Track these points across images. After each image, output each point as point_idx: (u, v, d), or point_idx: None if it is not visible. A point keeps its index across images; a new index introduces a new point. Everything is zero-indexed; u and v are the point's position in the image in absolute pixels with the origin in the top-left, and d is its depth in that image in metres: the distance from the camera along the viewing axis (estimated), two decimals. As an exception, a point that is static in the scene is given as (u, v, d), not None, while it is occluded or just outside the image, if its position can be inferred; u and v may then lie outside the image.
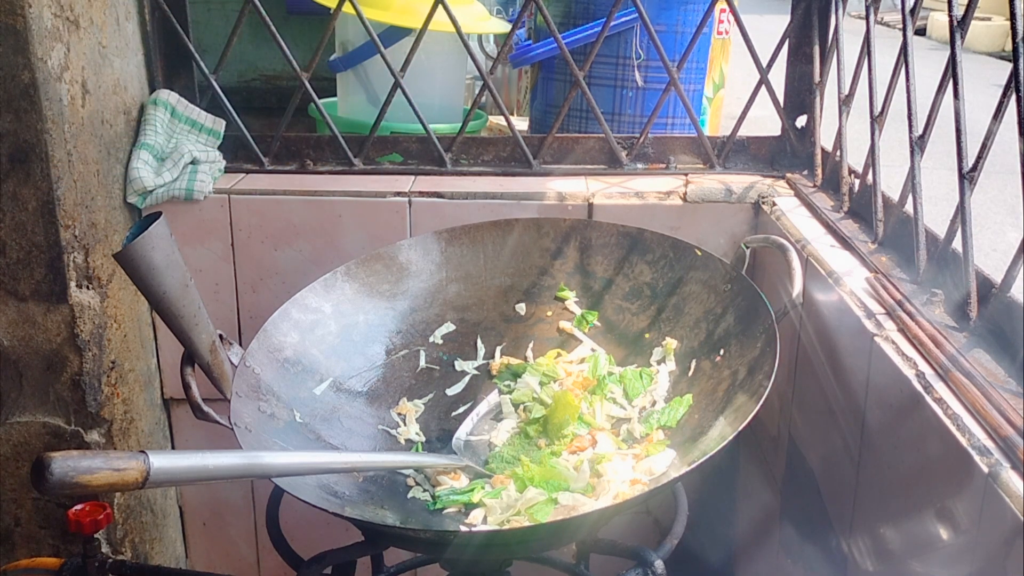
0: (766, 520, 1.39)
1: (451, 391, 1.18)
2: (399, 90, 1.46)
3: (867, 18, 1.22)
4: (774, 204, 1.39)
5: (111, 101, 1.33)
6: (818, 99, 1.45)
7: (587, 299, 1.23)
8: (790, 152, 1.51)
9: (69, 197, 1.24)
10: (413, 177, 1.49)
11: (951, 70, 0.97)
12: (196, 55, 1.44)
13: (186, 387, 1.00)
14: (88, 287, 1.29)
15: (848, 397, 1.06)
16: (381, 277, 1.21)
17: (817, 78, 1.45)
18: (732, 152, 1.51)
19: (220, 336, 1.05)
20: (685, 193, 1.43)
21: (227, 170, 1.48)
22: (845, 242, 1.20)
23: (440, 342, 1.22)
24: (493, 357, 1.21)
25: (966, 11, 0.98)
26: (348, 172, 1.50)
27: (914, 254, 1.06)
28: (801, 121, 1.50)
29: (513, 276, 1.25)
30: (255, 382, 1.03)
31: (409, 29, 1.59)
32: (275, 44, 1.42)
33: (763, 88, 1.45)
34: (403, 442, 1.11)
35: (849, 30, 1.34)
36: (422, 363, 1.20)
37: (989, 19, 11.12)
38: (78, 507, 1.21)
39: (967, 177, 0.94)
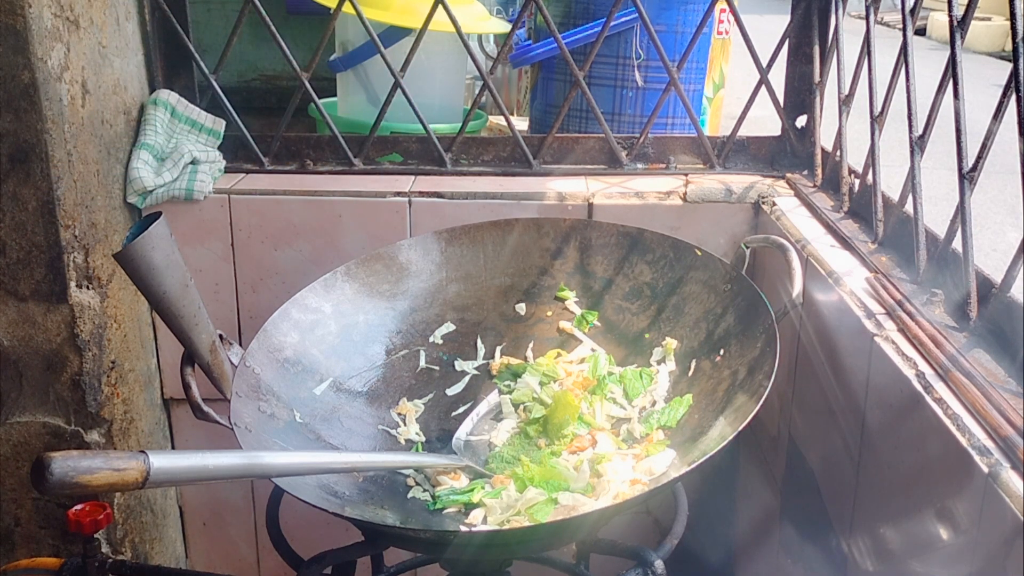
0: (766, 520, 1.39)
1: (451, 391, 1.18)
2: (399, 90, 1.46)
3: (867, 18, 1.22)
4: (774, 204, 1.39)
5: (111, 101, 1.33)
6: (818, 99, 1.45)
7: (587, 299, 1.23)
8: (790, 152, 1.51)
9: (69, 197, 1.24)
10: (413, 177, 1.49)
11: (951, 70, 0.97)
12: (196, 55, 1.44)
13: (186, 387, 1.00)
14: (88, 287, 1.29)
15: (848, 397, 1.06)
16: (381, 277, 1.21)
17: (817, 78, 1.45)
18: (732, 152, 1.51)
19: (220, 336, 1.05)
20: (685, 193, 1.43)
21: (227, 170, 1.48)
22: (845, 242, 1.20)
23: (440, 342, 1.22)
24: (493, 357, 1.21)
25: (966, 11, 0.98)
26: (348, 172, 1.50)
27: (914, 254, 1.06)
28: (801, 121, 1.50)
29: (513, 276, 1.25)
30: (255, 382, 1.03)
31: (409, 29, 1.59)
32: (275, 44, 1.42)
33: (763, 88, 1.45)
34: (403, 442, 1.11)
35: (849, 30, 1.34)
36: (422, 363, 1.20)
37: (989, 19, 11.12)
38: (78, 507, 1.21)
39: (967, 177, 0.94)
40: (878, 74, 1.20)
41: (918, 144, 1.07)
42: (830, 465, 1.13)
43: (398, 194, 1.42)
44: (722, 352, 1.07)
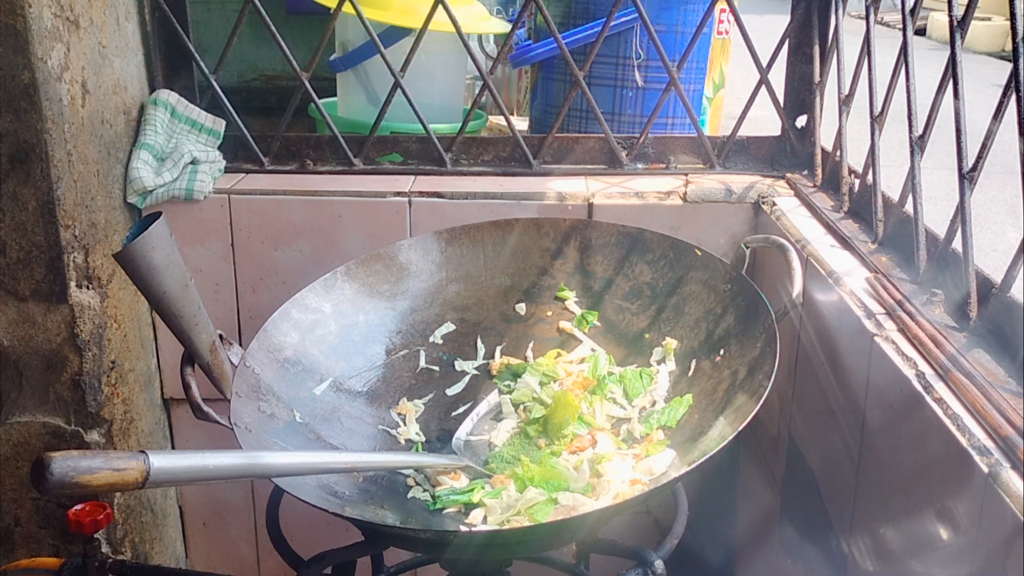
0: (766, 520, 1.39)
1: (451, 391, 1.18)
2: (399, 90, 1.46)
3: (867, 18, 1.22)
4: (774, 204, 1.39)
5: (111, 101, 1.33)
6: (818, 99, 1.45)
7: (587, 299, 1.23)
8: (790, 152, 1.51)
9: (69, 197, 1.24)
10: (413, 177, 1.49)
11: (951, 70, 0.97)
12: (196, 55, 1.44)
13: (186, 387, 1.00)
14: (88, 287, 1.29)
15: (848, 397, 1.06)
16: (381, 277, 1.21)
17: (817, 78, 1.45)
18: (732, 152, 1.51)
19: (220, 336, 1.05)
20: (685, 193, 1.43)
21: (227, 170, 1.48)
22: (845, 242, 1.20)
23: (440, 342, 1.22)
24: (493, 357, 1.21)
25: (966, 11, 0.98)
26: (348, 172, 1.50)
27: (914, 254, 1.06)
28: (801, 121, 1.50)
29: (513, 276, 1.25)
30: (255, 382, 1.03)
31: (409, 29, 1.59)
32: (275, 44, 1.42)
33: (763, 88, 1.45)
34: (403, 442, 1.11)
35: (849, 30, 1.34)
36: (422, 363, 1.20)
37: (989, 19, 11.12)
38: (78, 507, 1.21)
39: (967, 177, 0.94)
40: (878, 74, 1.20)
41: (918, 144, 1.07)
42: (830, 465, 1.13)
43: (398, 194, 1.42)
44: (722, 352, 1.07)
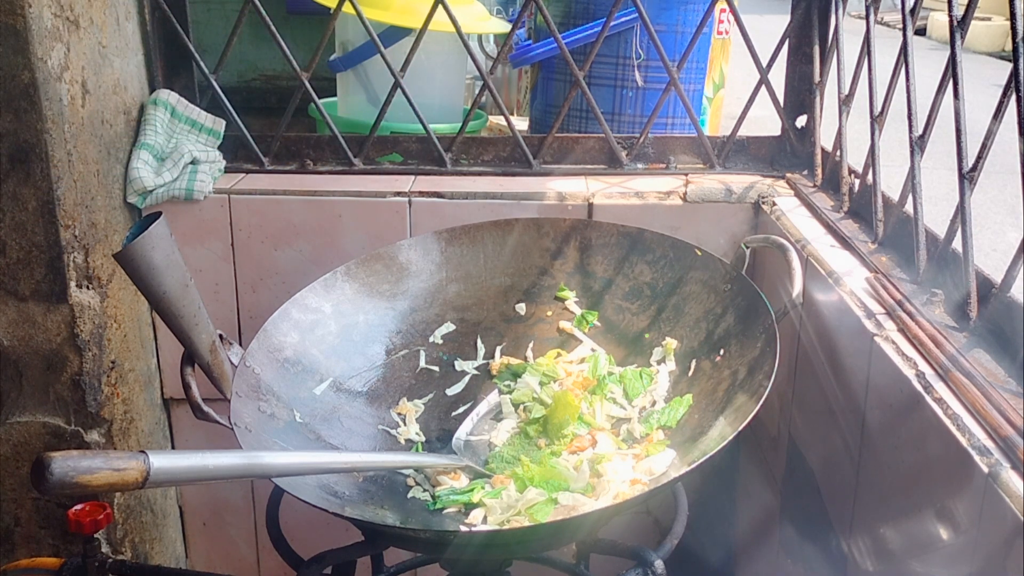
0: (766, 520, 1.39)
1: (451, 391, 1.18)
2: (399, 90, 1.46)
3: (867, 18, 1.22)
4: (774, 204, 1.39)
5: (111, 101, 1.33)
6: (818, 99, 1.45)
7: (587, 299, 1.23)
8: (790, 152, 1.51)
9: (69, 197, 1.24)
10: (413, 177, 1.49)
11: (951, 70, 0.97)
12: (196, 55, 1.44)
13: (186, 387, 1.00)
14: (88, 287, 1.29)
15: (848, 397, 1.06)
16: (381, 277, 1.21)
17: (817, 78, 1.45)
18: (732, 152, 1.51)
19: (220, 336, 1.05)
20: (685, 193, 1.43)
21: (227, 170, 1.48)
22: (845, 242, 1.20)
23: (440, 342, 1.22)
24: (493, 357, 1.21)
25: (966, 11, 0.98)
26: (348, 172, 1.50)
27: (914, 254, 1.06)
28: (801, 121, 1.50)
29: (513, 276, 1.25)
30: (255, 382, 1.03)
31: (409, 29, 1.59)
32: (275, 44, 1.42)
33: (763, 88, 1.45)
34: (403, 442, 1.11)
35: (849, 30, 1.34)
36: (422, 363, 1.20)
37: (989, 19, 11.12)
38: (78, 507, 1.21)
39: (967, 177, 0.94)
40: (878, 74, 1.20)
41: (918, 144, 1.07)
42: (830, 465, 1.13)
43: (398, 194, 1.42)
44: (722, 352, 1.07)
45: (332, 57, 1.77)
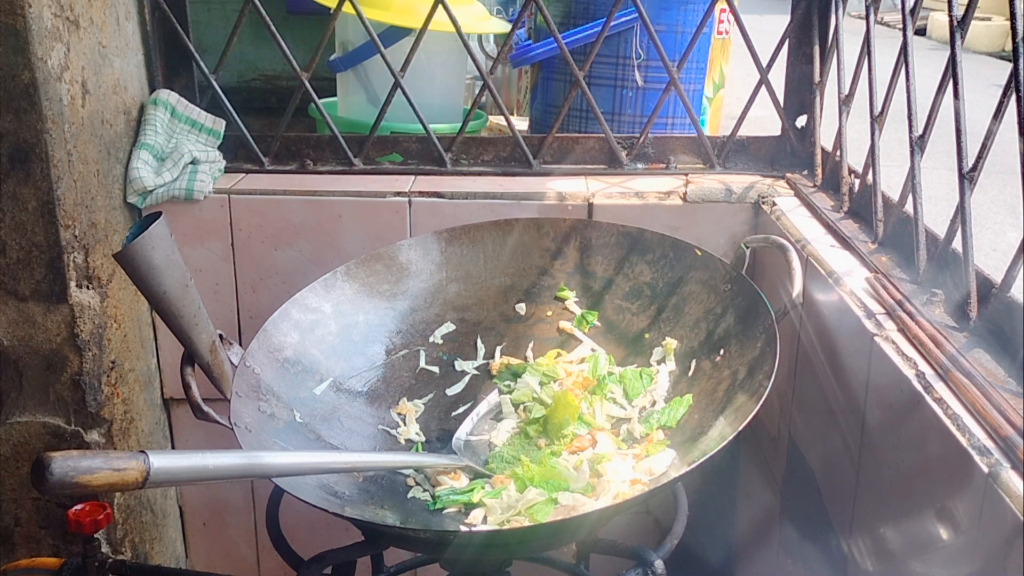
0: (766, 520, 1.39)
1: (451, 391, 1.18)
2: (399, 90, 1.46)
3: (867, 18, 1.22)
4: (774, 204, 1.39)
5: (111, 101, 1.33)
6: (818, 99, 1.45)
7: (587, 299, 1.23)
8: (790, 152, 1.51)
9: (69, 197, 1.24)
10: (413, 177, 1.49)
11: (951, 70, 0.97)
12: (196, 55, 1.44)
13: (186, 387, 1.00)
14: (88, 287, 1.29)
15: (848, 397, 1.06)
16: (381, 277, 1.21)
17: (817, 78, 1.45)
18: (732, 152, 1.51)
19: (220, 336, 1.05)
20: (685, 193, 1.43)
21: (227, 170, 1.48)
22: (845, 242, 1.20)
23: (440, 342, 1.22)
24: (493, 357, 1.21)
25: (966, 11, 0.98)
26: (348, 172, 1.50)
27: (914, 254, 1.06)
28: (801, 121, 1.50)
29: (513, 276, 1.25)
30: (255, 382, 1.03)
31: (409, 29, 1.59)
32: (275, 44, 1.42)
33: (763, 88, 1.45)
34: (403, 442, 1.11)
35: (849, 30, 1.34)
36: (422, 363, 1.20)
37: (989, 19, 11.13)
38: (78, 507, 1.21)
39: (967, 177, 0.94)
40: (878, 74, 1.20)
41: (918, 144, 1.07)
42: (830, 465, 1.13)
43: (398, 194, 1.42)
44: (722, 352, 1.07)
45: (332, 57, 1.77)
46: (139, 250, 0.86)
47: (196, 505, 1.62)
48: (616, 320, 1.21)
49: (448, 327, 1.23)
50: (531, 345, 1.22)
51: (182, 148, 1.39)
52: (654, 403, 1.09)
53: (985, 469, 0.74)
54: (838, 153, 1.34)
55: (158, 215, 0.88)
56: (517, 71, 2.60)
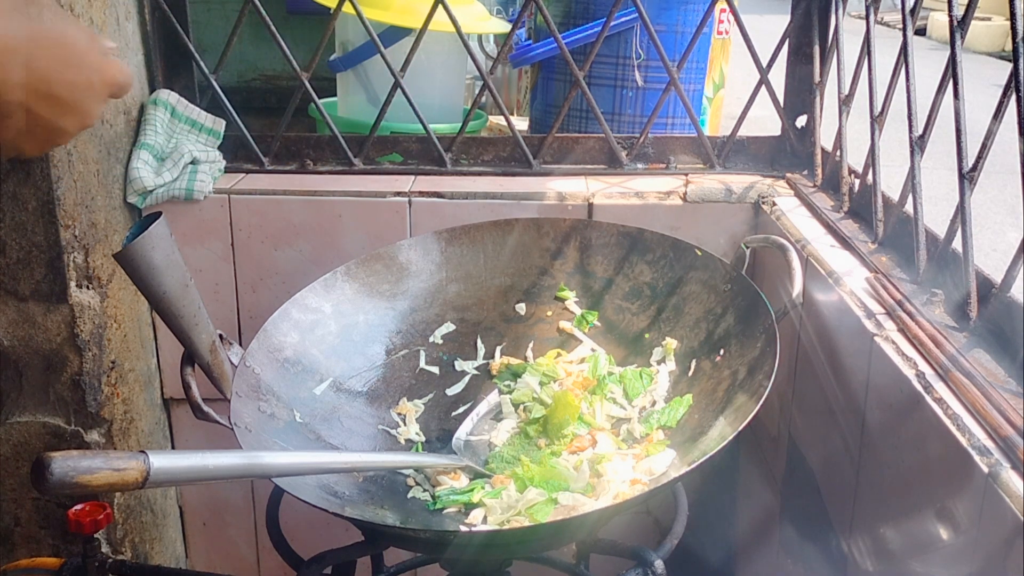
0: (766, 520, 1.39)
1: (451, 391, 1.18)
2: (399, 90, 1.46)
3: (867, 18, 1.22)
4: (774, 204, 1.39)
5: (111, 101, 1.33)
6: (818, 99, 1.45)
7: (587, 299, 1.23)
8: (790, 152, 1.51)
9: (69, 197, 1.24)
10: (413, 177, 1.49)
11: (951, 70, 0.97)
12: (196, 55, 1.44)
13: (186, 387, 1.00)
14: (88, 287, 1.29)
15: (848, 397, 1.06)
16: (381, 277, 1.21)
17: (817, 78, 1.45)
18: (732, 152, 1.51)
19: (220, 336, 1.05)
20: (685, 193, 1.43)
21: (227, 170, 1.48)
22: (845, 242, 1.20)
23: (440, 342, 1.22)
24: (493, 357, 1.21)
25: (966, 11, 0.98)
26: (348, 172, 1.50)
27: (914, 254, 1.06)
28: (801, 121, 1.50)
29: (513, 276, 1.25)
30: (255, 382, 1.03)
31: (409, 29, 1.59)
32: (275, 44, 1.42)
33: (763, 88, 1.45)
34: (403, 442, 1.11)
35: (849, 30, 1.34)
36: (422, 363, 1.20)
37: (989, 19, 11.13)
38: (78, 507, 1.21)
39: (967, 177, 0.94)
40: (878, 74, 1.20)
41: (918, 144, 1.07)
42: (830, 465, 1.13)
43: (398, 194, 1.42)
44: (722, 352, 1.07)
45: (332, 57, 1.77)
46: (139, 250, 0.86)
47: (196, 505, 1.62)
48: (616, 320, 1.21)
49: (448, 327, 1.23)
50: (531, 345, 1.22)
51: (182, 148, 1.39)
52: (654, 403, 1.09)
53: (985, 469, 0.74)
54: (838, 153, 1.34)
55: (158, 215, 0.88)
56: (517, 71, 2.60)
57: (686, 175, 1.49)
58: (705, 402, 1.04)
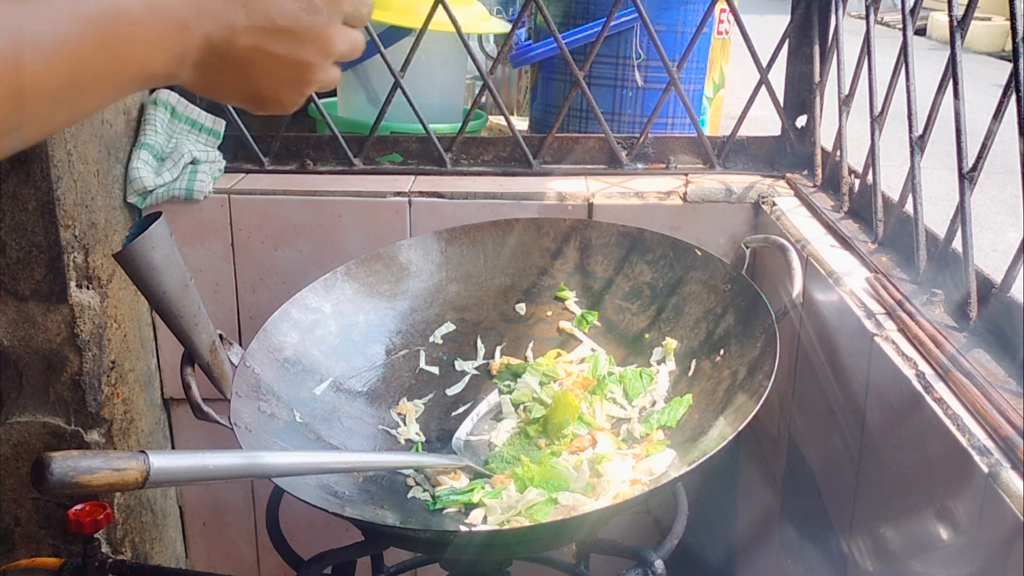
0: (766, 520, 1.39)
1: (451, 391, 1.18)
2: (399, 90, 1.46)
3: (867, 18, 1.22)
4: (774, 204, 1.39)
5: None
6: (818, 99, 1.45)
7: (587, 299, 1.23)
8: (790, 152, 1.51)
9: (69, 197, 1.24)
10: (413, 177, 1.49)
11: (951, 70, 0.97)
12: (196, 55, 1.44)
13: (186, 387, 1.00)
14: (88, 287, 1.29)
15: (848, 397, 1.06)
16: (381, 277, 1.21)
17: (817, 78, 1.45)
18: (732, 152, 1.51)
19: (220, 336, 1.05)
20: (685, 193, 1.43)
21: (227, 170, 1.48)
22: (845, 242, 1.20)
23: (440, 342, 1.22)
24: (493, 357, 1.21)
25: (966, 11, 0.98)
26: (348, 172, 1.50)
27: (914, 254, 1.06)
28: (801, 121, 1.50)
29: (513, 276, 1.25)
30: (255, 382, 1.03)
31: (409, 29, 1.59)
32: (275, 44, 1.42)
33: (763, 88, 1.45)
34: (403, 442, 1.11)
35: (849, 30, 1.34)
36: (422, 363, 1.20)
37: (989, 19, 11.13)
38: (78, 507, 1.21)
39: (967, 177, 0.94)
40: (878, 74, 1.20)
41: (918, 144, 1.07)
42: (830, 465, 1.13)
43: (398, 194, 1.42)
44: (722, 352, 1.07)
45: (332, 57, 1.77)
46: (139, 250, 0.86)
47: (196, 505, 1.62)
48: (616, 320, 1.21)
49: (448, 327, 1.23)
50: (531, 345, 1.22)
51: (182, 148, 1.39)
52: (654, 403, 1.09)
53: (985, 469, 0.74)
54: (838, 153, 1.34)
55: (158, 215, 0.88)
56: (517, 71, 2.60)
57: (686, 175, 1.49)
58: (705, 402, 1.04)
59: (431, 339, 1.21)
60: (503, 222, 1.26)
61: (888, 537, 0.94)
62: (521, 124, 2.00)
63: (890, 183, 1.18)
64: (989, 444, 0.76)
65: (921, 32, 11.83)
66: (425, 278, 1.24)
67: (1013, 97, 0.86)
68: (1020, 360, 0.85)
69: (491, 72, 1.47)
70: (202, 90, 0.63)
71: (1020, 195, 0.81)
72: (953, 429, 0.79)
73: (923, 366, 0.89)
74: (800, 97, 1.49)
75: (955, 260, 0.98)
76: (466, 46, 1.51)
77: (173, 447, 1.57)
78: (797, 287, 1.07)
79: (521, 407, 1.13)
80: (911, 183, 1.07)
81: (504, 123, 1.56)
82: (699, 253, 1.16)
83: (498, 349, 1.22)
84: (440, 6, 1.43)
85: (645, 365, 1.14)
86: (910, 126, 1.08)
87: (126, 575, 1.26)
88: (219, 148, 1.47)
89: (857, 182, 1.30)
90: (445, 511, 0.99)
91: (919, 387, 0.86)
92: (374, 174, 1.50)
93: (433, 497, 1.01)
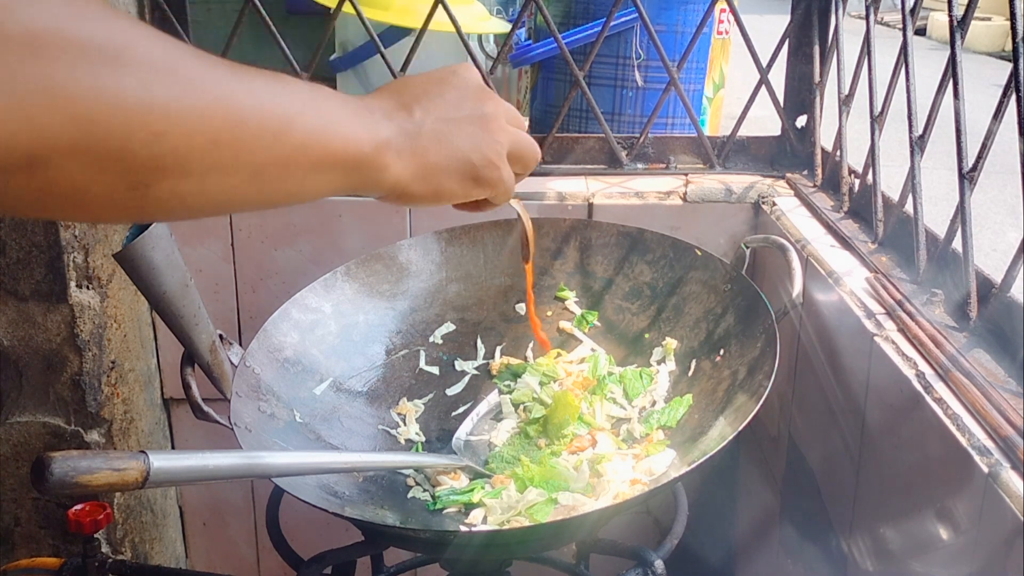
0: (766, 520, 1.39)
1: (451, 391, 1.18)
2: (399, 90, 1.46)
3: (867, 18, 1.22)
4: (774, 204, 1.39)
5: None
6: (818, 99, 1.45)
7: (587, 299, 1.23)
8: (790, 152, 1.51)
9: (69, 197, 1.24)
10: (413, 177, 1.48)
11: (951, 70, 0.97)
12: (196, 55, 1.44)
13: (186, 387, 1.00)
14: (88, 287, 1.29)
15: (848, 397, 1.06)
16: (381, 277, 1.21)
17: (817, 78, 1.45)
18: (732, 152, 1.51)
19: (220, 336, 1.05)
20: (685, 193, 1.43)
21: (227, 170, 1.47)
22: (845, 242, 1.20)
23: (440, 342, 1.22)
24: (493, 357, 1.21)
25: (966, 11, 0.98)
26: (348, 172, 1.50)
27: (914, 254, 1.06)
28: (801, 121, 1.50)
29: (513, 276, 1.25)
30: (255, 382, 1.03)
31: (409, 29, 1.59)
32: (275, 44, 1.42)
33: (763, 88, 1.45)
34: (403, 442, 1.11)
35: (849, 30, 1.34)
36: (422, 363, 1.20)
37: (989, 19, 11.13)
38: (78, 507, 1.21)
39: (967, 177, 0.94)
40: (878, 74, 1.20)
41: (918, 144, 1.07)
42: (830, 465, 1.13)
43: (398, 194, 1.42)
44: (722, 352, 1.07)
45: (332, 57, 1.78)
46: (139, 250, 0.86)
47: (196, 505, 1.62)
48: (616, 320, 1.21)
49: (448, 327, 1.23)
50: (531, 345, 1.22)
51: (182, 148, 1.39)
52: (654, 403, 1.09)
53: (985, 469, 0.74)
54: (838, 153, 1.34)
55: (158, 215, 0.88)
56: (517, 71, 2.60)
57: (686, 175, 1.49)
58: (705, 402, 1.04)
59: (431, 339, 1.21)
60: (503, 222, 1.26)
61: (888, 537, 0.94)
62: (521, 124, 2.00)
63: (890, 183, 1.18)
64: (989, 444, 0.76)
65: (921, 32, 11.83)
66: (425, 278, 1.24)
67: (1013, 97, 0.86)
68: (1020, 360, 0.85)
69: (491, 72, 1.47)
70: (419, 179, 0.70)
71: (1020, 195, 0.81)
72: (953, 429, 0.79)
73: (923, 366, 0.89)
74: (800, 97, 1.49)
75: (955, 260, 0.98)
76: (466, 46, 1.51)
77: (173, 447, 1.57)
78: (797, 287, 1.07)
79: (521, 407, 1.13)
80: (911, 183, 1.07)
81: (504, 123, 1.55)
82: (699, 253, 1.16)
83: (498, 349, 1.22)
84: (440, 6, 1.43)
85: (645, 365, 1.14)
86: (910, 126, 1.08)
87: (126, 575, 1.26)
88: (219, 148, 1.47)
89: (857, 182, 1.30)
90: (445, 511, 0.99)
91: (919, 387, 0.86)
92: (374, 174, 1.50)
93: (433, 497, 1.01)
